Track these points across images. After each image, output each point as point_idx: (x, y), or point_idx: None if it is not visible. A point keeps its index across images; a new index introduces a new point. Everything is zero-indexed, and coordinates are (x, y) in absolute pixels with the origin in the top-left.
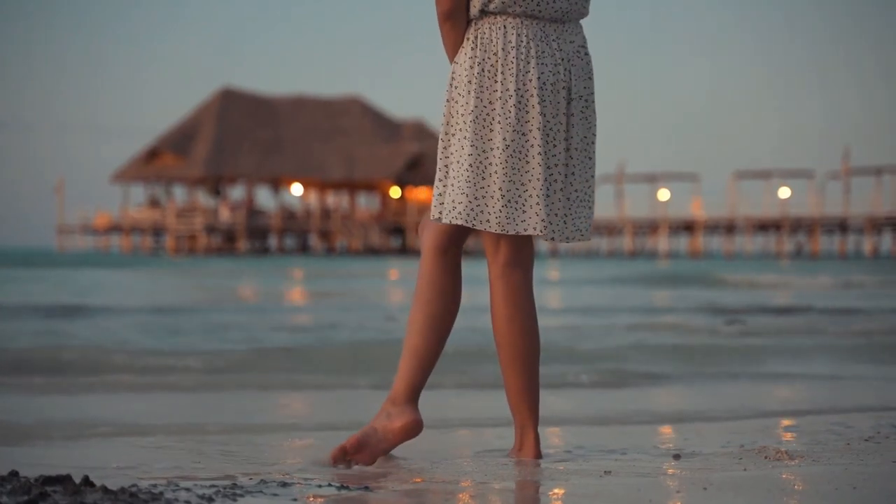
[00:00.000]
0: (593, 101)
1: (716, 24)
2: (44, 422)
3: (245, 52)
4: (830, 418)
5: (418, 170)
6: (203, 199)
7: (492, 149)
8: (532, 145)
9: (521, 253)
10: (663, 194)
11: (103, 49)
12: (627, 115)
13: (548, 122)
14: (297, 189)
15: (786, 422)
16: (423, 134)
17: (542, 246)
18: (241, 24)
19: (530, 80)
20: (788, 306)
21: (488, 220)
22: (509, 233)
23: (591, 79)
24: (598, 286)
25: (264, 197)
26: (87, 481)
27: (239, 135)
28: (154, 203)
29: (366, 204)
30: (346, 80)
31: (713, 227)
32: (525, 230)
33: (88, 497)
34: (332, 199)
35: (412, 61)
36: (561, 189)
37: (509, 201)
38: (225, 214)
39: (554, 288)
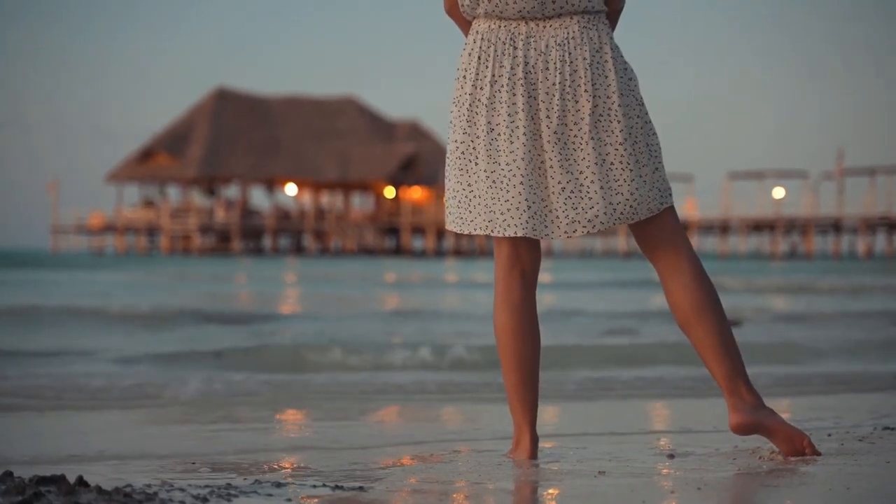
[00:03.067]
0: (588, 91)
1: (709, 24)
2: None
3: (240, 53)
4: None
5: (413, 170)
6: (198, 199)
7: (451, 151)
8: (479, 146)
9: (519, 255)
10: None
11: (98, 50)
12: None
13: (501, 121)
14: (291, 189)
15: None
16: (417, 134)
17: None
18: (236, 24)
19: (484, 85)
20: None
21: (447, 220)
22: (462, 232)
23: (585, 69)
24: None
25: (259, 197)
26: (81, 481)
27: (233, 135)
28: (148, 203)
29: (360, 204)
30: (340, 80)
31: (707, 228)
32: (475, 230)
33: (83, 497)
34: (326, 199)
35: (407, 62)
36: (518, 185)
37: (460, 202)
38: (219, 215)
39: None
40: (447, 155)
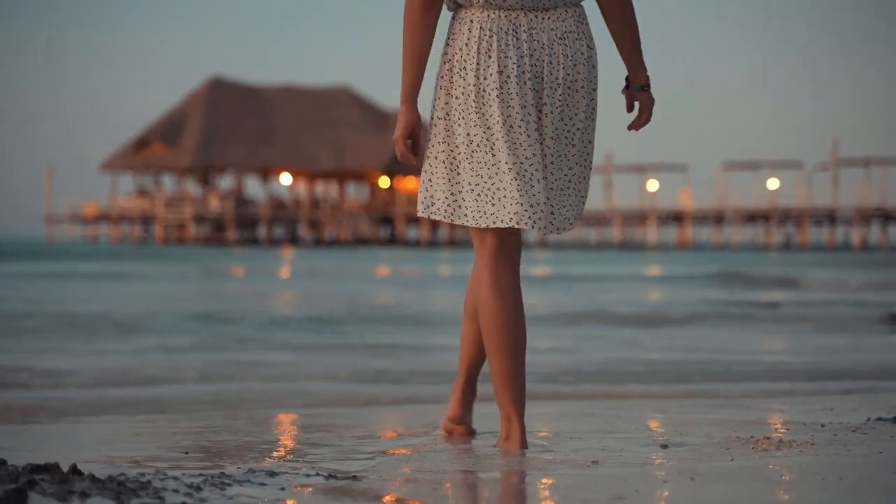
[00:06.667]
0: (584, 87)
1: (704, 14)
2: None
3: (235, 42)
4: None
5: None
6: (192, 188)
7: (458, 144)
8: (497, 139)
9: (506, 244)
10: (652, 185)
11: (93, 39)
12: (615, 105)
13: (513, 114)
14: (286, 179)
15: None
16: None
17: (531, 236)
18: (231, 13)
19: (490, 75)
20: None
21: (465, 215)
22: (481, 226)
23: (583, 64)
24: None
25: (253, 187)
26: (74, 470)
27: (228, 124)
28: (143, 192)
29: (355, 194)
30: (335, 69)
31: (702, 218)
32: (497, 223)
33: (76, 485)
34: (321, 188)
35: (401, 51)
36: (539, 179)
37: (479, 195)
38: (214, 204)
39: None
40: (452, 149)
